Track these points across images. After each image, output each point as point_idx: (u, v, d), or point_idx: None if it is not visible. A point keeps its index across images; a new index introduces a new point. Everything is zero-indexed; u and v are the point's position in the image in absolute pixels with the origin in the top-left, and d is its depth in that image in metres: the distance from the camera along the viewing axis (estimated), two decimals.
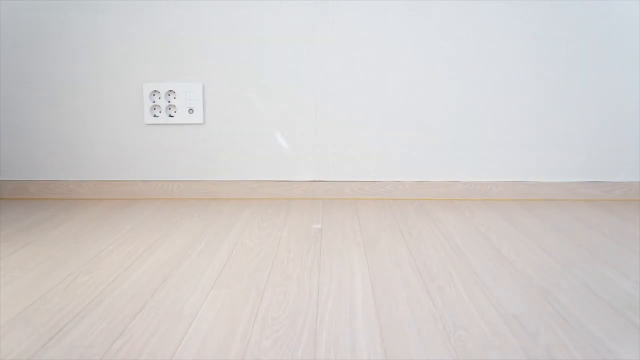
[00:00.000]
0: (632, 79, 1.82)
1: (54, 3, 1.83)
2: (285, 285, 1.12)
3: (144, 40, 1.85)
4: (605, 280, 1.14)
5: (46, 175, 1.93)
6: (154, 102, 1.88)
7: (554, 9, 1.79)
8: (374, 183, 1.89)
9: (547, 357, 0.82)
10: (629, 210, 1.73)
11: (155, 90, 1.87)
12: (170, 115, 1.89)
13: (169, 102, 1.87)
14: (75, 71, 1.87)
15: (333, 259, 1.28)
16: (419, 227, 1.54)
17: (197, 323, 0.95)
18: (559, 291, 1.08)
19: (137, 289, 1.10)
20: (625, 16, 1.79)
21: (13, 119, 1.91)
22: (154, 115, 1.89)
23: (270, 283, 1.13)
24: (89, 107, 1.89)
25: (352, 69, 1.84)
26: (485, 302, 1.02)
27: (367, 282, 1.13)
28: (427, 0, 1.79)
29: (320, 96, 1.86)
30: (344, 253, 1.32)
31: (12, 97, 1.89)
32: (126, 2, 1.83)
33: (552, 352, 0.84)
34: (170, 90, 1.87)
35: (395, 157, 1.88)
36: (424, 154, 1.88)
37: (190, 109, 1.88)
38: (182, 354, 0.85)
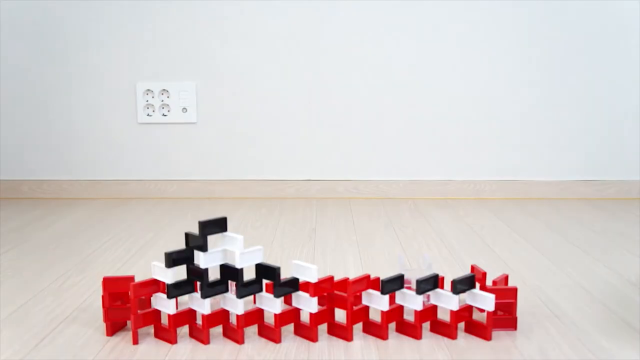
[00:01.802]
0: (625, 79, 1.83)
1: (49, 3, 1.82)
2: None
3: (137, 39, 1.84)
4: (598, 278, 1.14)
5: (39, 175, 1.93)
6: (147, 101, 1.87)
7: (549, 8, 1.80)
8: (368, 182, 1.89)
9: (541, 355, 0.83)
10: (621, 209, 1.73)
11: (148, 89, 1.87)
12: (163, 115, 1.88)
13: (162, 101, 1.87)
14: (68, 70, 1.87)
15: (327, 257, 1.28)
16: (412, 226, 1.55)
17: None
18: (552, 289, 1.08)
19: None
20: (621, 16, 1.79)
21: (5, 118, 1.90)
22: (148, 115, 1.88)
23: None
24: (81, 106, 1.89)
25: (345, 68, 1.84)
26: None
27: None
28: (421, 0, 1.80)
29: (314, 95, 1.86)
30: (337, 251, 1.32)
31: (3, 96, 1.88)
32: (120, 2, 1.82)
33: (545, 350, 0.84)
34: (164, 90, 1.87)
35: (389, 156, 1.89)
36: (417, 153, 1.88)
37: (184, 108, 1.88)
38: (175, 353, 0.85)
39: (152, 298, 0.90)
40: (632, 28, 1.80)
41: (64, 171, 1.92)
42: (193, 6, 1.82)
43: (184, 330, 0.91)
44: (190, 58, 1.85)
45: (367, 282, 0.89)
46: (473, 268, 0.99)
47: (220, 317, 0.89)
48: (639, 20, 1.79)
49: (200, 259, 0.86)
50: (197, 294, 0.88)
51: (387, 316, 0.87)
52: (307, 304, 0.87)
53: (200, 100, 1.88)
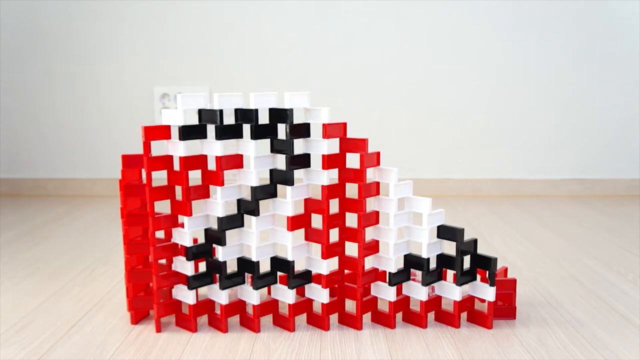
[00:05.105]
0: (615, 82, 1.82)
1: (69, 11, 1.83)
2: None
3: (154, 46, 1.84)
4: (589, 270, 1.14)
5: (63, 173, 1.93)
6: (164, 104, 1.87)
7: (546, 10, 1.79)
8: None
9: (538, 342, 0.83)
10: (608, 206, 1.73)
11: (165, 93, 1.87)
12: None
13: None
14: (89, 76, 1.87)
15: None
16: None
17: None
18: (547, 280, 1.08)
19: None
20: (618, 19, 1.79)
21: (31, 121, 1.90)
22: None
23: None
24: (102, 109, 1.89)
25: (351, 71, 1.84)
26: None
27: None
28: (420, 1, 1.80)
29: (320, 96, 1.86)
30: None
31: (30, 100, 1.89)
32: (138, 10, 1.82)
33: (543, 337, 0.84)
34: (179, 93, 1.86)
35: (392, 156, 1.88)
36: (418, 153, 1.88)
37: None
38: (195, 340, 0.85)
39: (173, 289, 0.90)
40: (629, 30, 1.79)
41: (86, 170, 1.92)
42: (206, 14, 1.82)
43: (204, 319, 0.92)
44: (204, 63, 1.85)
45: (376, 274, 0.89)
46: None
47: (237, 307, 0.89)
48: (636, 23, 1.78)
49: (219, 252, 0.86)
50: (216, 286, 0.88)
51: (395, 306, 0.87)
52: (319, 295, 0.87)
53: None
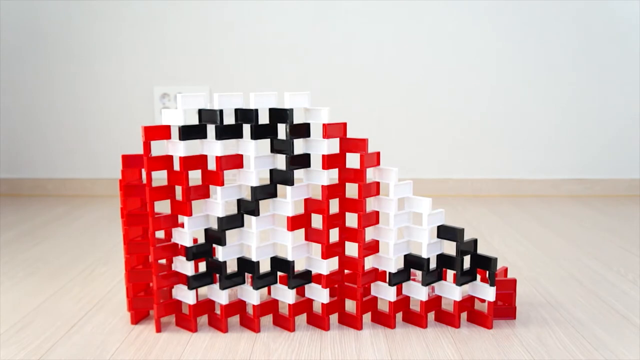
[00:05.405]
0: (615, 82, 1.82)
1: (71, 12, 1.83)
2: None
3: (154, 46, 1.84)
4: (589, 270, 1.14)
5: (63, 173, 1.93)
6: (164, 104, 1.87)
7: (545, 10, 1.79)
8: None
9: (538, 342, 0.83)
10: (608, 206, 1.73)
11: (165, 93, 1.87)
12: None
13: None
14: (89, 76, 1.87)
15: None
16: None
17: None
18: (547, 280, 1.08)
19: None
20: (619, 19, 1.79)
21: (31, 121, 1.90)
22: None
23: None
24: (103, 109, 1.89)
25: (351, 71, 1.84)
26: None
27: None
28: (420, 1, 1.80)
29: (320, 96, 1.86)
30: None
31: (30, 100, 1.89)
32: (138, 10, 1.82)
33: (543, 337, 0.84)
34: (179, 93, 1.86)
35: (392, 156, 1.88)
36: (418, 153, 1.88)
37: None
38: (195, 340, 0.85)
39: (173, 289, 0.90)
40: (629, 30, 1.79)
41: (86, 170, 1.92)
42: (206, 14, 1.82)
43: (204, 319, 0.91)
44: (204, 63, 1.85)
45: (376, 274, 0.89)
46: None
47: (237, 307, 0.89)
48: (636, 23, 1.78)
49: (219, 252, 0.86)
50: (216, 286, 0.88)
51: (395, 306, 0.87)
52: (319, 295, 0.87)
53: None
